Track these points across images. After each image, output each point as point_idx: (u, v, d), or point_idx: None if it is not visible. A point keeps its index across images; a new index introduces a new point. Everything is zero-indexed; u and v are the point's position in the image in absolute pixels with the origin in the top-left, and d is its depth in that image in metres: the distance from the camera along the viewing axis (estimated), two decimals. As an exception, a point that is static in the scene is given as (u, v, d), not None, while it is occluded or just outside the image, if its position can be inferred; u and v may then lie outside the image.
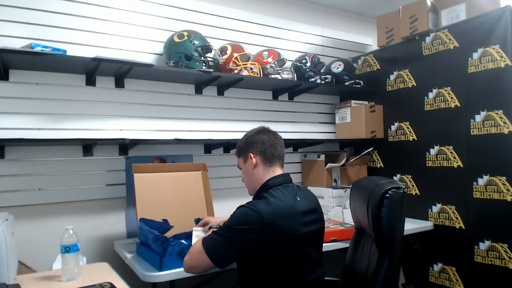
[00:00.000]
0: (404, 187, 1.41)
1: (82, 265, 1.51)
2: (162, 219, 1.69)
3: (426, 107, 2.39)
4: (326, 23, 3.01)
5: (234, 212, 1.36)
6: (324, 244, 1.53)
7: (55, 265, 1.59)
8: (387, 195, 1.35)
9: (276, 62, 2.38)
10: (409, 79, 2.50)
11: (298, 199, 1.40)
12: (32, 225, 1.85)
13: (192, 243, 1.50)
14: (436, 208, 2.32)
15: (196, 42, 2.06)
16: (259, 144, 1.48)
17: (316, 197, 1.54)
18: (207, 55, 2.15)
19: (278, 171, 1.49)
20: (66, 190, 1.94)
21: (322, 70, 2.72)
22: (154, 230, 1.57)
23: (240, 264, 1.44)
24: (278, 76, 2.37)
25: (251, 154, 1.49)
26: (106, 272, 1.46)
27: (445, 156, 2.27)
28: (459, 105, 2.21)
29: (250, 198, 1.51)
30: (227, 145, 2.39)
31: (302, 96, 2.79)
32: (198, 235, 1.61)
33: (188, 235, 1.69)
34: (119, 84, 2.09)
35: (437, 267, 2.31)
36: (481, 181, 2.07)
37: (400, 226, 1.42)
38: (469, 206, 2.14)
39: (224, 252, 1.31)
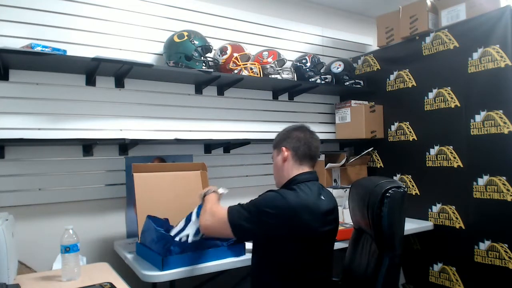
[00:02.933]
0: (404, 186, 1.41)
1: (82, 265, 1.51)
2: (164, 218, 1.71)
3: (426, 107, 2.39)
4: (326, 23, 3.01)
5: (263, 194, 1.39)
6: None
7: (55, 265, 1.59)
8: (387, 194, 1.36)
9: (276, 62, 2.38)
10: (409, 79, 2.50)
11: (323, 197, 1.42)
12: (32, 225, 1.85)
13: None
14: (436, 208, 2.32)
15: (196, 42, 2.06)
16: (293, 140, 1.50)
17: (334, 197, 1.55)
18: (207, 55, 2.15)
19: (306, 169, 1.50)
20: (66, 190, 1.94)
21: (322, 70, 2.72)
22: (160, 228, 1.58)
23: (256, 254, 1.46)
24: (278, 76, 2.37)
25: (283, 147, 1.51)
26: (106, 272, 1.46)
27: (445, 156, 2.27)
28: (459, 105, 2.21)
29: (248, 199, 1.50)
30: (227, 145, 2.39)
31: (302, 96, 2.79)
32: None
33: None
34: (119, 84, 2.09)
35: (437, 267, 2.31)
36: (481, 181, 2.07)
37: (400, 225, 1.42)
38: (469, 206, 2.14)
39: (246, 228, 1.34)
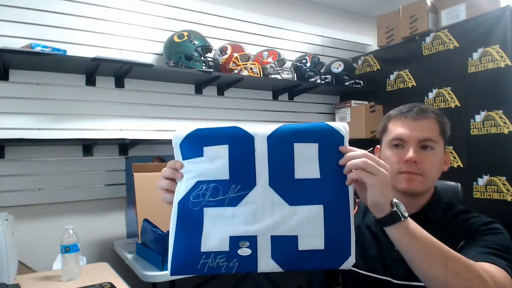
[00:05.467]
0: None
1: (82, 265, 1.51)
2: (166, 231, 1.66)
3: (426, 107, 2.38)
4: (326, 23, 3.01)
5: (499, 227, 1.01)
6: None
7: (55, 265, 1.59)
8: None
9: (276, 62, 2.38)
10: (409, 79, 2.50)
11: None
12: (32, 225, 1.85)
13: None
14: (436, 208, 2.31)
15: (196, 42, 2.06)
16: None
17: None
18: (207, 55, 2.15)
19: None
20: (66, 190, 1.94)
21: (322, 70, 2.72)
22: (157, 229, 1.57)
23: None
24: (278, 76, 2.37)
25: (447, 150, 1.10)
26: (106, 272, 1.46)
27: (445, 156, 2.27)
28: (459, 105, 2.21)
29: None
30: (227, 145, 2.39)
31: (302, 96, 2.79)
32: None
33: None
34: (119, 84, 2.09)
35: (437, 267, 2.30)
36: (481, 181, 2.07)
37: None
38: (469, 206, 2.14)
39: None
